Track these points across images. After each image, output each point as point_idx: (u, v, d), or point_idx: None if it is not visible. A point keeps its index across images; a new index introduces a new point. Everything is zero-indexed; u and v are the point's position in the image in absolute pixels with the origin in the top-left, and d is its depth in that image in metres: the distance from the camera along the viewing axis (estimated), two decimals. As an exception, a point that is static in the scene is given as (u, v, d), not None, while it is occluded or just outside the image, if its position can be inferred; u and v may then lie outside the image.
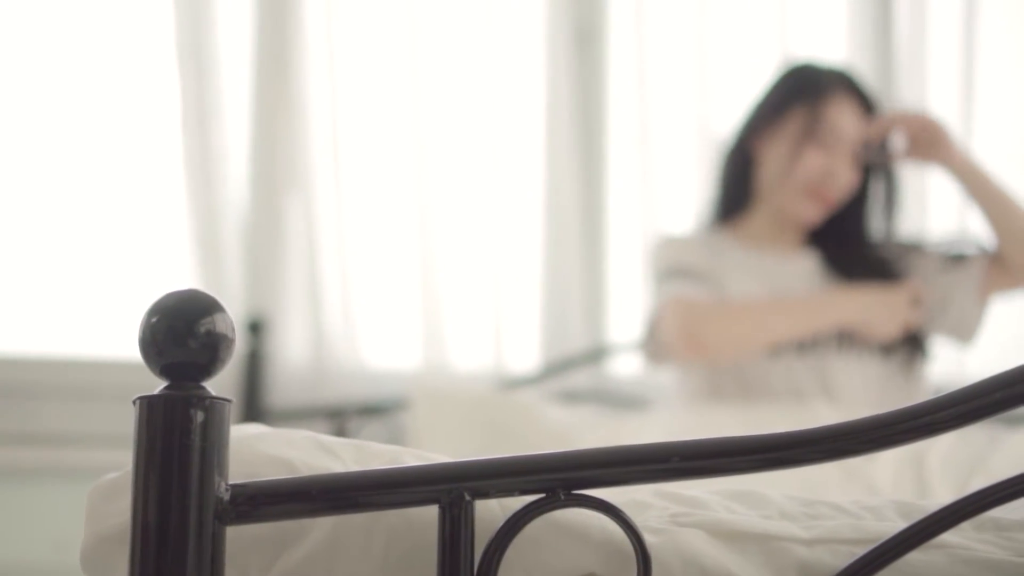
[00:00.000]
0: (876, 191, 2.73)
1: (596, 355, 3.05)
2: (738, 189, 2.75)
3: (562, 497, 0.99)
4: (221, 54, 2.95)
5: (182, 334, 0.95)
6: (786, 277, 2.67)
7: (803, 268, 2.68)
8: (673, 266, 2.68)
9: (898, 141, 2.66)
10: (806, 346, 2.61)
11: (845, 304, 2.61)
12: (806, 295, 2.65)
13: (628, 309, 3.09)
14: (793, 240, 2.73)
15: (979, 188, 2.61)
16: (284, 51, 2.97)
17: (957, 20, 3.13)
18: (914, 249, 2.74)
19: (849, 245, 2.71)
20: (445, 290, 2.99)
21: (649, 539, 1.02)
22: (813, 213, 2.67)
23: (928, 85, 3.14)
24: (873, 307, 2.61)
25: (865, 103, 2.69)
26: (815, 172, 2.64)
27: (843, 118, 2.66)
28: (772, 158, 2.69)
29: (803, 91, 2.69)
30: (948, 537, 1.04)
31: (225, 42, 2.96)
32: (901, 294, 2.62)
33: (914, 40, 3.14)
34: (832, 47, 3.17)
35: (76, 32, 3.01)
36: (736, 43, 3.14)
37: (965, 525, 1.06)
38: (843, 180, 2.65)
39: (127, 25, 3.03)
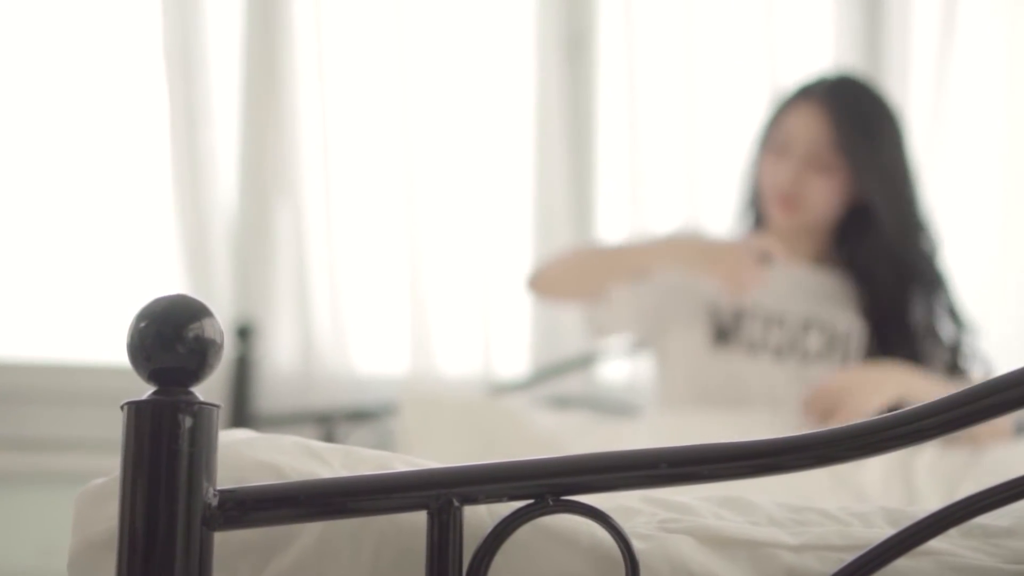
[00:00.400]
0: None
1: (586, 361, 3.05)
2: (753, 202, 2.77)
3: (551, 503, 0.99)
4: (210, 58, 2.95)
5: (170, 339, 0.95)
6: (812, 289, 2.66)
7: (831, 283, 2.68)
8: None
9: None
10: (788, 353, 2.61)
11: (669, 251, 2.63)
12: (643, 240, 2.74)
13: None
14: (816, 252, 2.72)
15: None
16: (273, 56, 2.97)
17: (938, 29, 3.13)
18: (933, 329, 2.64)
19: (872, 269, 2.65)
20: (434, 295, 2.99)
21: (637, 545, 1.02)
22: (790, 219, 2.66)
23: (910, 85, 3.14)
24: (701, 255, 2.59)
25: (833, 109, 2.62)
26: (772, 178, 2.66)
27: (796, 122, 2.64)
28: None
29: (779, 104, 2.72)
30: (936, 544, 1.05)
31: (214, 46, 2.95)
32: (744, 247, 2.58)
33: (900, 50, 3.15)
34: (819, 53, 3.17)
35: (63, 37, 3.00)
36: (725, 50, 3.15)
37: (953, 532, 1.06)
38: (795, 184, 2.62)
39: (114, 29, 3.03)
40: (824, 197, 2.64)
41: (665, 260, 2.63)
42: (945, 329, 2.64)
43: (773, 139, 2.67)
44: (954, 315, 2.65)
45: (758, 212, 2.78)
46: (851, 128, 2.62)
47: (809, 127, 2.63)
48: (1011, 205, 3.10)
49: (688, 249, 2.62)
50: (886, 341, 2.62)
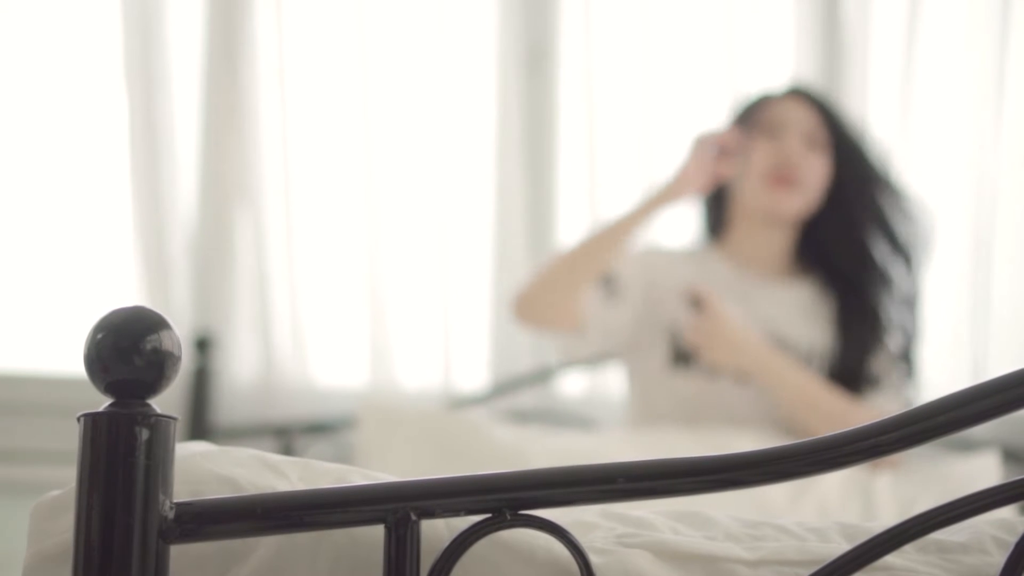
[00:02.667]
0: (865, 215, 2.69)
1: (544, 375, 3.05)
2: (715, 212, 2.79)
3: (508, 517, 0.99)
4: (170, 67, 2.93)
5: (128, 351, 0.95)
6: (772, 305, 2.66)
7: (791, 297, 2.68)
8: (608, 274, 2.72)
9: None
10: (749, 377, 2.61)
11: (638, 207, 2.71)
12: (603, 225, 2.76)
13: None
14: (780, 261, 2.73)
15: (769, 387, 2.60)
16: (234, 66, 2.96)
17: (902, 41, 3.15)
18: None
19: (845, 271, 2.68)
20: (394, 308, 2.98)
21: (595, 560, 1.02)
22: (788, 201, 2.67)
23: (869, 100, 3.15)
24: (658, 189, 2.70)
25: (812, 99, 2.73)
26: (769, 158, 2.68)
27: (786, 109, 2.71)
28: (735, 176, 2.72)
29: (748, 109, 2.76)
30: (892, 559, 1.05)
31: (175, 54, 2.94)
32: (694, 154, 2.68)
33: (860, 69, 3.16)
34: (778, 65, 3.18)
35: (21, 47, 2.98)
36: (684, 63, 3.15)
37: (908, 547, 1.07)
38: (798, 157, 2.66)
39: (74, 37, 3.01)
40: (819, 176, 2.68)
41: (632, 223, 2.69)
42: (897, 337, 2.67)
43: (756, 128, 2.71)
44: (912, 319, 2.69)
45: (723, 216, 2.78)
46: (835, 112, 2.73)
47: (799, 110, 2.71)
48: (980, 212, 3.10)
49: (648, 197, 2.71)
50: (854, 345, 2.63)
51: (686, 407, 2.62)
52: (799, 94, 2.75)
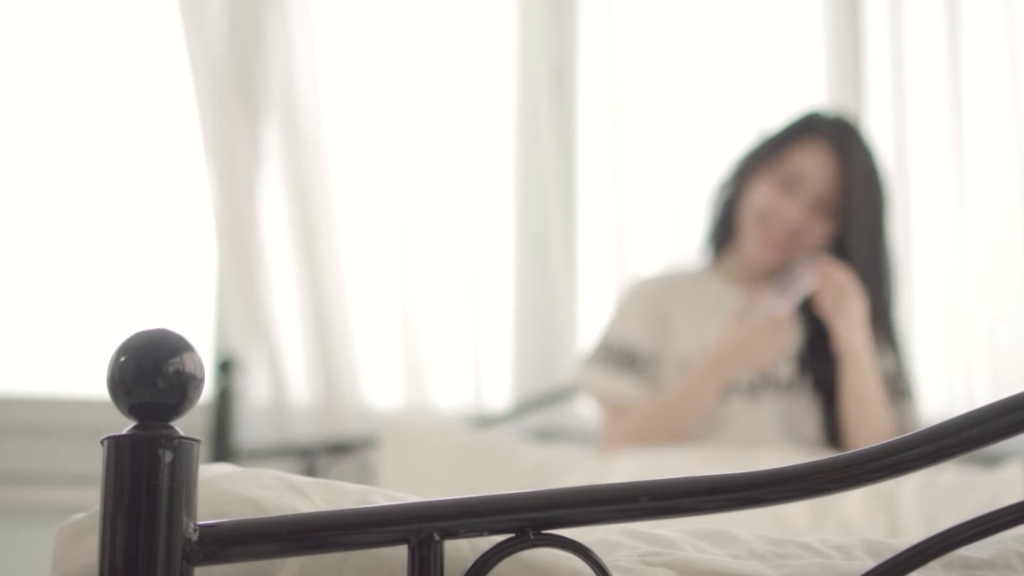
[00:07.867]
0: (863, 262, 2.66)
1: (566, 393, 3.04)
2: (722, 225, 2.77)
3: (531, 537, 0.99)
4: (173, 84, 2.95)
5: (150, 374, 0.95)
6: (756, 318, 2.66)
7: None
8: (615, 345, 2.70)
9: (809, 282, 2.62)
10: (761, 388, 2.61)
11: (722, 364, 2.58)
12: (690, 375, 2.61)
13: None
14: (763, 277, 2.72)
15: (853, 370, 2.58)
16: (253, 89, 2.97)
17: (939, 46, 3.14)
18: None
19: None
20: (422, 328, 2.98)
21: (618, 579, 1.02)
22: (770, 257, 2.66)
23: (907, 116, 3.15)
24: (745, 349, 2.59)
25: (845, 156, 2.64)
26: (760, 203, 2.64)
27: (808, 161, 2.64)
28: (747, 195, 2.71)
29: (784, 132, 2.71)
30: (917, 576, 1.05)
31: (174, 76, 2.96)
32: (765, 327, 2.60)
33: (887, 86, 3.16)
34: (805, 84, 3.17)
35: (30, 50, 3.00)
36: (708, 81, 3.14)
37: (934, 564, 1.06)
38: (791, 220, 2.63)
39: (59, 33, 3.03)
40: (819, 240, 2.65)
41: (732, 369, 2.59)
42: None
43: (776, 167, 2.66)
44: (894, 341, 2.71)
45: (727, 232, 2.76)
46: (856, 182, 2.63)
47: (821, 168, 2.64)
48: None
49: (743, 348, 2.59)
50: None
51: (701, 428, 2.61)
52: (830, 141, 2.65)
